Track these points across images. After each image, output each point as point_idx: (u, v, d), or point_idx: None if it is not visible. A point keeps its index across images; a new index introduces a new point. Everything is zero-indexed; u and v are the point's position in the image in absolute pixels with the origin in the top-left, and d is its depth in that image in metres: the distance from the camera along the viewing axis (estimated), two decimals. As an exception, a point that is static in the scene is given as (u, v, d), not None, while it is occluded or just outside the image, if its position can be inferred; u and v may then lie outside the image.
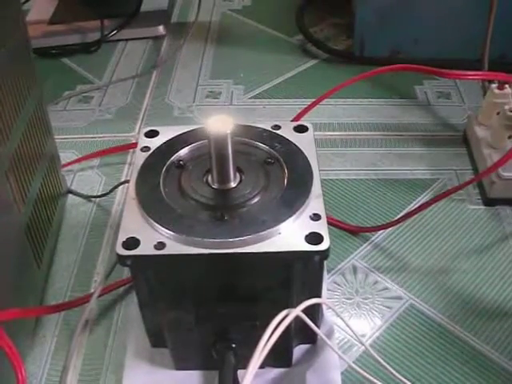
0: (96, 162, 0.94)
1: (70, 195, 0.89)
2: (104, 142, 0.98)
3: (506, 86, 0.86)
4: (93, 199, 0.88)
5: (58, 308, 0.72)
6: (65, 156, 0.91)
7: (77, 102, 1.09)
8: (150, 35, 1.27)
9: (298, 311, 0.52)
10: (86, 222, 0.85)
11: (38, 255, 0.73)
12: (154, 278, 0.56)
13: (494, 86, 0.87)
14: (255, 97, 1.08)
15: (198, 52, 1.22)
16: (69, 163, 0.92)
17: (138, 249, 0.53)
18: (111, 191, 0.87)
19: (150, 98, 1.09)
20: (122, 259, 0.53)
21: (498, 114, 0.85)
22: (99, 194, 0.88)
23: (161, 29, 1.27)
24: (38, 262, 0.73)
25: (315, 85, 1.09)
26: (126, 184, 0.88)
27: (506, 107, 0.82)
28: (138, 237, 0.54)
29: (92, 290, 0.74)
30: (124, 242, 0.53)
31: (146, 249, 0.53)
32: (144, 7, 1.29)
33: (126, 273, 0.74)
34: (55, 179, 0.83)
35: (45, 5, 1.33)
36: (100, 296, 0.71)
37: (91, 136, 1.00)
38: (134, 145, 0.94)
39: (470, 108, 1.02)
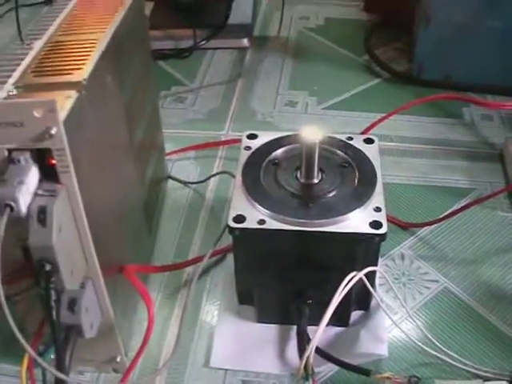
0: (191, 154, 1.06)
1: (170, 180, 1.00)
2: (196, 138, 1.09)
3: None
4: (190, 185, 1.00)
5: (176, 266, 0.85)
6: (163, 147, 1.02)
7: (172, 101, 1.21)
8: (235, 46, 1.38)
9: (361, 274, 0.67)
10: (184, 203, 0.96)
11: (150, 227, 0.86)
12: (252, 247, 0.70)
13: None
14: (327, 108, 1.19)
15: (277, 64, 1.33)
16: (170, 153, 1.03)
17: (244, 223, 0.68)
18: (207, 179, 0.99)
19: (236, 103, 1.20)
20: (231, 230, 0.68)
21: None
22: (195, 181, 1.00)
23: (245, 41, 1.38)
24: (149, 233, 0.86)
25: (378, 101, 1.19)
26: (221, 174, 1.00)
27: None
28: (244, 214, 0.69)
29: (190, 258, 0.86)
30: (234, 217, 0.68)
31: (250, 223, 0.68)
32: (230, 20, 1.35)
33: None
34: (161, 166, 0.96)
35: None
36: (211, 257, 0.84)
37: (185, 132, 1.12)
38: (226, 142, 1.08)
39: (509, 130, 1.10)
